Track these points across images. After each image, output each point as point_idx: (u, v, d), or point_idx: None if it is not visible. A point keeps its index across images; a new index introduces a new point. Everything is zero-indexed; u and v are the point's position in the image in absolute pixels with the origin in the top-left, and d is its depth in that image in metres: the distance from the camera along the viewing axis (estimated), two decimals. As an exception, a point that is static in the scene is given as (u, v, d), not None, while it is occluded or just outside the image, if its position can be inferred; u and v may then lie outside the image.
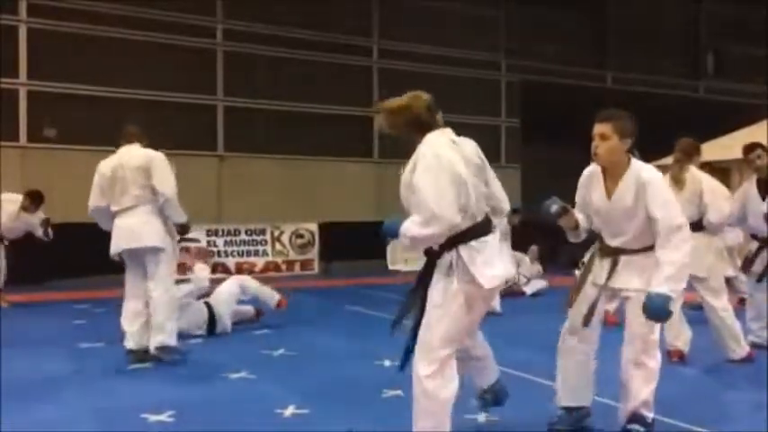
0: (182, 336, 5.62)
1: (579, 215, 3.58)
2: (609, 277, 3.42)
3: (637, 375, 3.33)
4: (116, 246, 5.23)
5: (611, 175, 3.39)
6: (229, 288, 6.69)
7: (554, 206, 3.50)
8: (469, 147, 3.16)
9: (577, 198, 3.64)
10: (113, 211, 5.26)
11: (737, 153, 5.78)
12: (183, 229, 5.44)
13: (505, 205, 3.35)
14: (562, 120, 14.87)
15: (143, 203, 5.21)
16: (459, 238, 2.97)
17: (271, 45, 12.98)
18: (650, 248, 3.33)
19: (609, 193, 3.39)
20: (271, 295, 6.85)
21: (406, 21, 14.02)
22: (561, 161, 16.12)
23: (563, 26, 15.51)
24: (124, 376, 4.86)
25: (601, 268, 3.49)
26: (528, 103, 14.71)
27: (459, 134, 3.16)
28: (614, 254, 3.43)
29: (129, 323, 5.23)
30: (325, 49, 13.37)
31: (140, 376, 4.85)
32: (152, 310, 5.15)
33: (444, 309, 2.96)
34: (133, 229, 5.17)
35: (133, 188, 5.20)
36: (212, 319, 6.34)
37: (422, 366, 2.96)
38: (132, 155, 5.32)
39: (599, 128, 3.34)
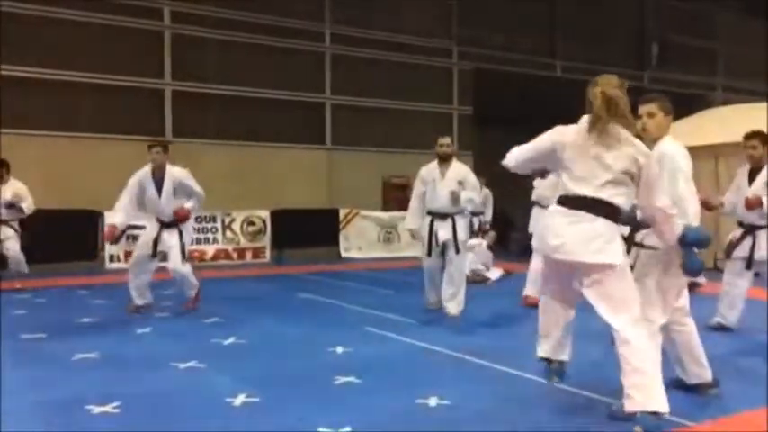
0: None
1: None
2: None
3: None
4: None
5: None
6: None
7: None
8: None
9: None
10: None
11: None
12: None
13: None
14: (514, 107, 15.08)
15: None
16: None
17: (221, 28, 12.72)
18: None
19: None
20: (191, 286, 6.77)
21: (358, 6, 13.93)
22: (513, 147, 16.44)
23: (514, 15, 15.67)
24: (67, 367, 4.70)
25: None
26: (480, 91, 14.82)
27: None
28: None
29: None
30: (278, 33, 13.18)
31: (84, 367, 4.71)
32: None
33: None
34: None
35: None
36: None
37: None
38: None
39: (645, 108, 3.70)
